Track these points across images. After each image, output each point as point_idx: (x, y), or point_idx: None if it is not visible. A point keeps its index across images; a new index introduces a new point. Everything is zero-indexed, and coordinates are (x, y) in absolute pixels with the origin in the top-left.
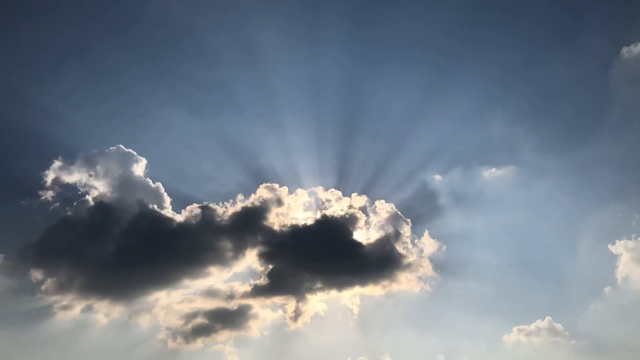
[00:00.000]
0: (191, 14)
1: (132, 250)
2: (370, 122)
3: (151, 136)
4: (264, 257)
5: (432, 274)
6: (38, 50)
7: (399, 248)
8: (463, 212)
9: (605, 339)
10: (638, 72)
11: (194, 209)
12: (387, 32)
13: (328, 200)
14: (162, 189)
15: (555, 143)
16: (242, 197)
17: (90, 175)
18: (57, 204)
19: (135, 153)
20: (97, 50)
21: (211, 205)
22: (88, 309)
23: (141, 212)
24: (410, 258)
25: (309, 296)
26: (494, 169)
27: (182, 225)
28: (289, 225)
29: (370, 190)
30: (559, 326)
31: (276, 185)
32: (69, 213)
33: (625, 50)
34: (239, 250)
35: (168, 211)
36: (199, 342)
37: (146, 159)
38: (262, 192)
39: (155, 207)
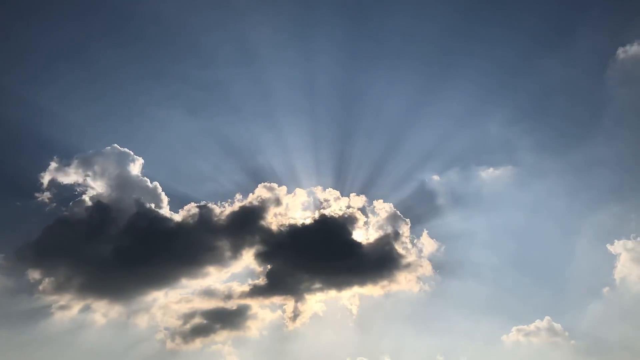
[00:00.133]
0: (186, 13)
1: (130, 249)
2: (367, 121)
3: (147, 136)
4: (263, 257)
5: (431, 274)
6: (33, 49)
7: (398, 248)
8: (462, 212)
9: (605, 339)
10: (634, 72)
11: (191, 208)
12: (382, 29)
13: (326, 200)
14: (160, 189)
15: (553, 143)
16: (241, 196)
17: (86, 175)
18: (54, 204)
19: (131, 152)
20: (93, 50)
21: (209, 204)
22: (86, 309)
23: (139, 211)
24: (410, 258)
25: (307, 296)
26: (491, 169)
27: (180, 225)
28: (287, 225)
29: (368, 190)
30: (558, 326)
31: (275, 185)
32: (67, 213)
33: (621, 50)
34: (237, 250)
35: (166, 211)
36: (198, 343)
37: (143, 158)
38: (261, 192)
39: (153, 206)
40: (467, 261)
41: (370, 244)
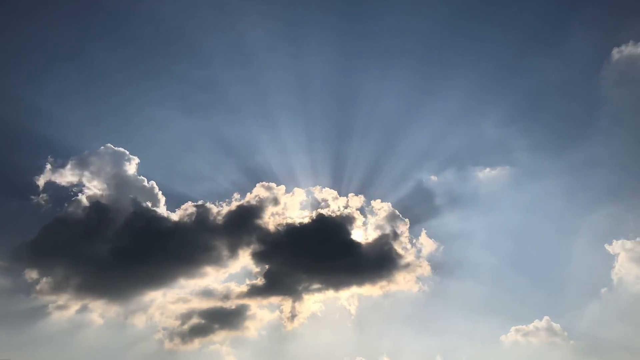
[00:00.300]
0: (183, 14)
1: (127, 249)
2: (364, 121)
3: (144, 135)
4: (261, 256)
5: (430, 274)
6: (29, 50)
7: (397, 248)
8: (460, 213)
9: (604, 339)
10: (629, 73)
11: (189, 207)
12: (378, 29)
13: (324, 200)
14: (156, 188)
15: (549, 143)
16: (238, 196)
17: (83, 175)
18: (51, 204)
19: (127, 152)
20: (90, 50)
21: (207, 204)
22: (83, 309)
23: (135, 210)
24: (408, 258)
25: (305, 296)
26: (488, 169)
27: (177, 224)
28: (285, 225)
29: (366, 189)
30: (557, 326)
31: (273, 185)
32: (63, 212)
33: (615, 51)
34: (235, 249)
35: (162, 210)
36: (196, 343)
37: (140, 158)
38: (259, 191)
39: (150, 205)
40: (466, 261)
41: (368, 244)
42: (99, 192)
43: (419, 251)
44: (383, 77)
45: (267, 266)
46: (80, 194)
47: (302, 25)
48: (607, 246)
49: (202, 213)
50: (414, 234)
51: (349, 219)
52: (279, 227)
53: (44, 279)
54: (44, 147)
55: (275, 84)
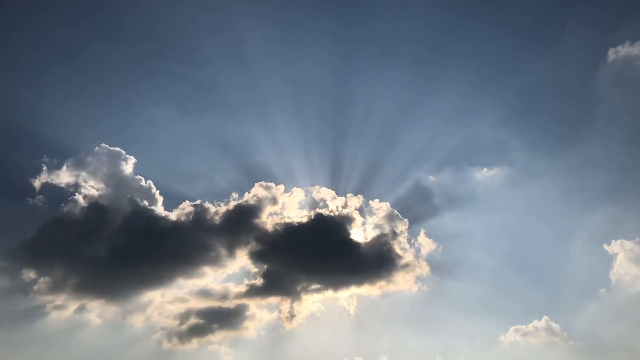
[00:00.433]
0: (181, 15)
1: (125, 249)
2: (361, 122)
3: (142, 135)
4: (259, 256)
5: (429, 274)
6: (28, 50)
7: (396, 248)
8: (458, 213)
9: (603, 339)
10: (625, 73)
11: (186, 207)
12: (373, 30)
13: (323, 200)
14: (154, 188)
15: (545, 144)
16: (236, 195)
17: (79, 174)
18: (48, 204)
19: (123, 152)
20: (87, 51)
21: (205, 203)
22: (81, 309)
23: (133, 210)
24: (407, 258)
25: (304, 296)
26: (485, 169)
27: (175, 224)
28: (283, 224)
29: (364, 189)
30: (556, 326)
31: (271, 184)
32: (61, 212)
33: (612, 51)
34: (233, 249)
35: (160, 210)
36: (194, 343)
37: (137, 158)
38: (257, 191)
39: (147, 204)
40: (465, 261)
41: (367, 244)
42: (96, 192)
43: (418, 251)
44: (380, 77)
45: (265, 266)
46: (77, 194)
47: (299, 27)
48: (605, 246)
49: (200, 213)
50: (412, 234)
51: (348, 219)
52: (277, 227)
53: (42, 279)
54: (41, 146)
55: (273, 84)
